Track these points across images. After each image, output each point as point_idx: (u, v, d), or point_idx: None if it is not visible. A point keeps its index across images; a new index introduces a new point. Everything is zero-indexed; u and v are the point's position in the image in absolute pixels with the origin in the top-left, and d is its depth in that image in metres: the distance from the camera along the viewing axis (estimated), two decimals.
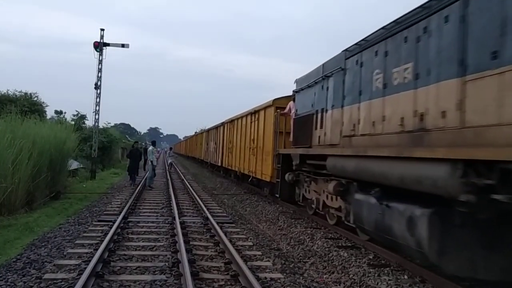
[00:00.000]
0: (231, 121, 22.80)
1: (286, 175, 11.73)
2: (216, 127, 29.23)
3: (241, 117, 20.09)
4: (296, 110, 11.82)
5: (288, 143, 12.77)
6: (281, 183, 12.24)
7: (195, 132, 53.38)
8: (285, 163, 12.05)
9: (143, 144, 46.29)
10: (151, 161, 18.94)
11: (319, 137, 9.68)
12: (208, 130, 34.12)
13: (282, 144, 13.18)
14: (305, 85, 11.13)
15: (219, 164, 26.27)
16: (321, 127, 9.55)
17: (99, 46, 22.93)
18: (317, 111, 9.96)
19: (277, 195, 12.74)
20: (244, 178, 19.71)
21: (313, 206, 10.45)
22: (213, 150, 29.85)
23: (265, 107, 15.61)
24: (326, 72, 9.55)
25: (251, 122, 17.87)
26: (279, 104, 14.20)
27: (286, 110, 12.88)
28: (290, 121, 12.50)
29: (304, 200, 11.42)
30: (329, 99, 9.29)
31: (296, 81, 11.99)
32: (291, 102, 12.51)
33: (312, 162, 9.94)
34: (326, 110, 9.34)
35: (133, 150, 20.41)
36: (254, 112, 17.25)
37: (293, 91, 12.22)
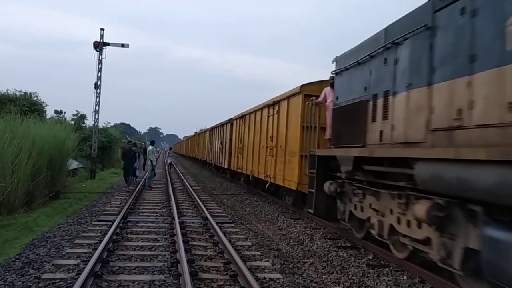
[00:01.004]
0: (242, 116, 19.88)
1: (326, 185, 8.81)
2: (222, 125, 26.32)
3: (255, 111, 17.12)
4: (337, 98, 9.04)
5: (323, 142, 10.00)
6: (317, 194, 9.30)
7: (195, 132, 53.17)
8: (320, 168, 9.29)
9: (143, 144, 46.24)
10: (151, 161, 18.81)
11: (381, 132, 6.91)
12: (212, 129, 30.95)
13: (313, 143, 10.03)
14: (352, 62, 8.26)
15: (226, 166, 23.56)
16: (384, 118, 6.82)
17: (99, 45, 22.94)
18: (374, 96, 7.22)
19: (310, 210, 9.64)
20: (257, 183, 16.77)
21: (373, 230, 7.32)
22: (218, 151, 27.07)
23: (289, 96, 12.64)
24: (394, 37, 6.72)
25: (268, 116, 14.98)
26: (308, 91, 11.32)
27: (320, 99, 10.04)
28: (327, 112, 9.89)
29: (351, 219, 8.51)
30: (400, 77, 6.51)
31: (336, 60, 9.17)
32: (327, 89, 9.90)
33: (374, 169, 7.02)
34: (395, 93, 6.58)
35: (127, 150, 19.30)
36: (273, 104, 14.28)
37: (332, 73, 9.49)
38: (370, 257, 7.43)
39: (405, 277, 6.31)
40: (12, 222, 9.66)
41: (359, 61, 7.95)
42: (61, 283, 5.48)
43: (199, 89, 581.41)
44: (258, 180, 16.25)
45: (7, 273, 5.94)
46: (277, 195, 14.21)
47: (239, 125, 20.60)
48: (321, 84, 10.96)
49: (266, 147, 14.80)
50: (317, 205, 9.33)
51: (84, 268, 5.78)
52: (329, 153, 8.89)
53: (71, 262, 6.46)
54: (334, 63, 9.27)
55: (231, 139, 22.37)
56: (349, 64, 8.44)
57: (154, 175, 19.22)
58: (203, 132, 38.64)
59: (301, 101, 11.38)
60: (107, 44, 23.19)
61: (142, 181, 19.35)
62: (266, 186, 14.63)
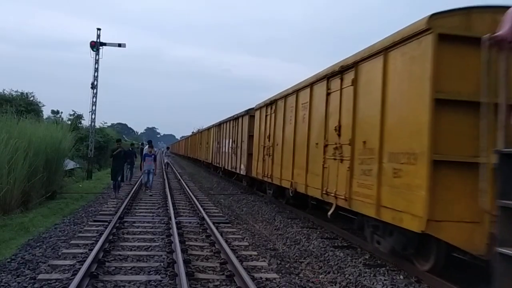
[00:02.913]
0: (270, 103, 14.07)
1: None
2: (235, 118, 20.92)
3: (298, 91, 11.20)
4: None
5: None
6: None
7: (192, 132, 52.82)
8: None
9: (140, 144, 46.16)
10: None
11: None
12: (221, 124, 25.46)
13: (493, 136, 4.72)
14: None
15: (242, 172, 18.55)
16: None
17: (96, 45, 22.88)
18: None
19: None
20: (302, 200, 11.75)
21: None
22: (229, 151, 21.81)
23: (392, 45, 6.57)
24: None
25: (329, 94, 9.02)
26: (448, 27, 5.72)
27: (505, 30, 4.62)
28: None
29: None
30: None
31: None
32: None
33: None
34: None
35: (116, 150, 15.56)
36: (341, 71, 8.38)
37: None
38: (367, 257, 7.44)
39: (401, 277, 6.33)
40: (8, 223, 9.62)
41: None
42: (56, 283, 5.46)
43: (196, 89, 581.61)
44: (305, 197, 10.98)
45: (2, 274, 5.91)
46: (361, 231, 8.14)
47: (266, 116, 14.52)
48: (469, 13, 5.76)
49: (326, 146, 8.93)
50: None
51: (80, 268, 5.76)
52: None
53: (67, 262, 6.44)
54: None
55: (250, 136, 17.16)
56: None
57: (147, 181, 16.40)
58: (207, 129, 32.31)
59: (432, 47, 5.60)
60: (104, 44, 23.13)
61: (139, 181, 19.26)
62: (331, 212, 8.38)
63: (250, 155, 17.07)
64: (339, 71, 8.39)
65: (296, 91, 11.33)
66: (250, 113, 17.77)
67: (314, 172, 9.52)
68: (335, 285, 5.99)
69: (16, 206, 11.29)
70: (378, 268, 6.72)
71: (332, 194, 8.34)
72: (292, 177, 11.14)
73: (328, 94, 9.03)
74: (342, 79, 8.34)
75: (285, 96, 12.41)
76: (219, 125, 25.99)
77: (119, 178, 15.12)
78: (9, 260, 6.61)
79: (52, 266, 6.26)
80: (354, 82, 7.73)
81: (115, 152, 15.35)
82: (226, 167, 22.69)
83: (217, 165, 25.90)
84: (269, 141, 13.90)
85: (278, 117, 13.12)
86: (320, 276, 6.34)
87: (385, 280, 6.17)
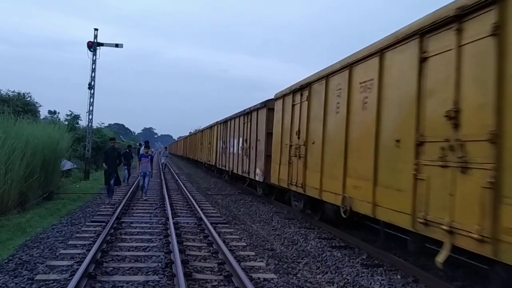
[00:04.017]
0: (301, 88, 10.62)
1: None
2: (246, 113, 17.44)
3: (353, 65, 7.88)
4: None
5: None
6: None
7: (190, 133, 52.67)
8: None
9: (137, 144, 46.10)
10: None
11: None
12: (226, 121, 21.98)
13: None
14: None
15: (258, 178, 14.90)
16: None
17: (93, 46, 22.86)
18: None
19: None
20: (356, 222, 9.25)
21: None
22: (238, 153, 18.39)
23: None
24: None
25: (424, 60, 5.78)
26: None
27: None
28: None
29: None
30: None
31: None
32: None
33: None
34: None
35: (109, 150, 14.13)
36: (475, 7, 4.80)
37: None
38: (364, 257, 7.46)
39: (398, 277, 6.35)
40: (5, 223, 9.61)
41: None
42: (54, 284, 5.46)
43: (193, 89, 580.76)
44: (366, 218, 8.25)
45: (0, 275, 5.90)
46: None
47: (294, 106, 11.13)
48: None
49: (421, 144, 5.73)
50: None
51: (77, 269, 5.76)
52: None
53: (65, 263, 6.44)
54: None
55: (269, 134, 13.96)
56: None
57: (143, 185, 14.81)
58: (209, 127, 29.48)
59: None
60: (101, 44, 23.13)
61: (136, 182, 19.15)
62: (442, 259, 5.06)
63: (268, 157, 13.77)
64: (459, 15, 4.99)
65: (347, 66, 7.99)
66: (268, 106, 14.33)
67: (393, 186, 6.28)
68: (333, 285, 6.00)
69: (13, 207, 11.28)
70: (375, 268, 6.75)
71: (444, 227, 5.00)
72: (343, 189, 7.84)
73: (423, 60, 5.72)
74: (460, 30, 5.01)
75: (325, 76, 9.04)
76: (224, 122, 22.68)
77: (111, 182, 13.44)
78: (6, 261, 6.60)
79: (50, 266, 6.26)
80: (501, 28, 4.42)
81: (107, 149, 14.20)
82: (234, 171, 19.16)
83: (223, 168, 22.46)
84: (298, 138, 10.53)
85: (313, 105, 9.78)
86: (318, 276, 6.36)
87: (382, 280, 6.20)
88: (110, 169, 13.50)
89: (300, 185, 10.18)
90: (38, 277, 5.73)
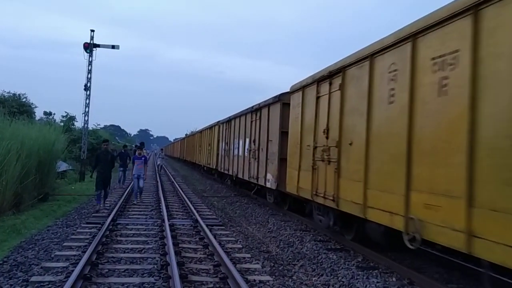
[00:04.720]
0: (330, 75, 8.63)
1: None
2: (255, 110, 15.34)
3: (417, 35, 5.76)
4: None
5: None
6: None
7: (186, 135, 52.46)
8: None
9: (134, 146, 45.95)
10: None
11: None
12: (230, 120, 19.91)
13: None
14: None
15: (271, 185, 12.89)
16: None
17: (89, 47, 22.83)
18: None
19: None
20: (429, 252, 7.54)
21: None
22: (246, 155, 16.14)
23: None
24: None
25: None
26: None
27: None
28: None
29: None
30: None
31: None
32: None
33: None
34: None
35: (102, 153, 12.94)
36: None
37: None
38: (360, 259, 7.48)
39: (394, 279, 6.37)
40: (0, 225, 9.55)
41: None
42: (49, 285, 5.45)
43: (190, 91, 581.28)
44: (454, 252, 5.94)
45: None
46: None
47: (319, 98, 9.21)
48: None
49: None
50: None
51: (73, 270, 5.75)
52: None
53: (60, 264, 6.42)
54: None
55: (284, 133, 12.06)
56: None
57: (139, 189, 14.16)
58: (210, 127, 27.35)
59: None
60: (97, 46, 23.10)
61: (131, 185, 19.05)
62: None
63: (282, 160, 11.93)
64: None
65: (408, 37, 5.95)
66: (283, 100, 12.31)
67: (509, 208, 4.11)
68: (328, 287, 6.02)
69: (8, 208, 11.22)
70: (371, 271, 6.76)
71: None
72: (406, 208, 5.71)
73: None
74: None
75: (369, 56, 7.01)
76: (227, 121, 20.44)
77: (100, 192, 12.26)
78: (1, 262, 6.57)
79: (45, 268, 6.24)
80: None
81: (98, 152, 13.06)
82: (240, 176, 17.05)
83: (226, 172, 20.25)
84: (327, 138, 8.59)
85: (350, 95, 7.78)
86: (313, 279, 6.37)
87: (377, 282, 6.21)
88: (103, 174, 12.26)
89: (330, 197, 8.16)
90: (33, 278, 5.71)
